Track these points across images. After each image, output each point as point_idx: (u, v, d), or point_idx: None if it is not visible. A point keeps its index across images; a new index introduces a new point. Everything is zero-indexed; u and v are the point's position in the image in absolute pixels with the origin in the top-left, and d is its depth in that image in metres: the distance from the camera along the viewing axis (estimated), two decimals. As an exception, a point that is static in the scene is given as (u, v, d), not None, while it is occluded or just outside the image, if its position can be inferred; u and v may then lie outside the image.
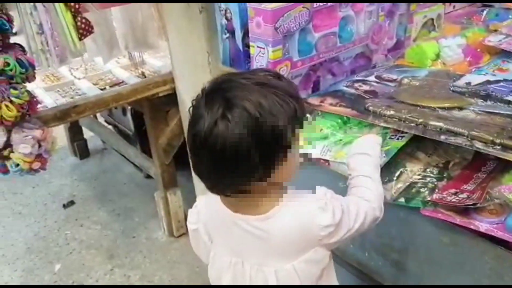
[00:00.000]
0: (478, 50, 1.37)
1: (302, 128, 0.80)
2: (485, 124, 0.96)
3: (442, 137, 0.95)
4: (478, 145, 0.90)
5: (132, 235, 2.39)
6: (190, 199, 2.30)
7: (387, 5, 1.37)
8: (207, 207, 0.94)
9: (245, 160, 0.75)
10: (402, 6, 1.43)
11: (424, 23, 1.55)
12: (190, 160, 0.83)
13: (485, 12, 1.65)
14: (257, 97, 0.74)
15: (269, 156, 0.77)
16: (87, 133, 3.12)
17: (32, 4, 1.35)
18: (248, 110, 0.73)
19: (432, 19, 1.57)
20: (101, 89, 1.88)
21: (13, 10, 1.37)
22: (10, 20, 1.30)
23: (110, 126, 2.90)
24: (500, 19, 1.56)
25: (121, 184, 2.83)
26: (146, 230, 2.41)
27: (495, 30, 1.46)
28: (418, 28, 1.53)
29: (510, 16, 1.57)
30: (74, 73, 1.96)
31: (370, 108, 1.10)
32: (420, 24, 1.53)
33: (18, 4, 1.36)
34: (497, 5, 1.73)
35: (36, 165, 1.44)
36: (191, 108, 0.81)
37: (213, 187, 0.83)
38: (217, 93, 0.77)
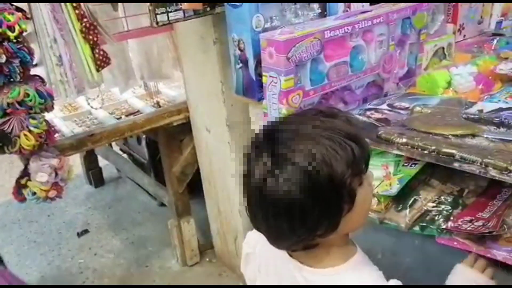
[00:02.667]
0: (490, 78, 1.37)
1: (367, 168, 0.74)
2: (499, 151, 0.95)
3: (456, 165, 0.94)
4: (493, 172, 0.90)
5: (145, 264, 2.38)
6: (203, 228, 2.31)
7: (397, 35, 1.39)
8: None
9: (302, 216, 0.68)
10: (413, 36, 1.45)
11: (434, 52, 1.56)
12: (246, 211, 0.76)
13: (495, 41, 1.66)
14: (308, 147, 0.67)
15: (331, 208, 0.70)
16: (102, 162, 3.16)
17: (52, 37, 1.40)
18: (298, 163, 0.67)
19: (443, 48, 1.58)
20: (117, 119, 1.93)
21: (34, 43, 1.42)
22: (31, 53, 1.35)
23: (125, 155, 2.94)
24: (511, 47, 1.57)
25: (135, 212, 2.84)
26: (159, 259, 2.40)
27: (506, 58, 1.46)
28: (429, 57, 1.54)
29: (521, 45, 1.58)
30: (91, 103, 2.01)
31: (383, 135, 1.11)
32: (431, 53, 1.55)
33: (38, 37, 1.41)
34: (507, 34, 1.75)
35: (53, 193, 1.46)
36: (244, 157, 0.74)
37: (275, 243, 0.76)
38: (264, 145, 0.71)
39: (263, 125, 0.77)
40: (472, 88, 1.35)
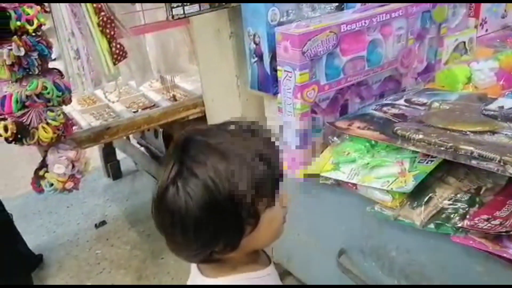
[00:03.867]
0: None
1: (277, 189, 0.71)
2: (518, 149, 0.93)
3: (473, 162, 0.92)
4: (511, 170, 0.87)
5: (160, 256, 2.40)
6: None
7: (416, 29, 1.36)
8: None
9: (196, 231, 0.67)
10: (432, 30, 1.42)
11: (455, 47, 1.52)
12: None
13: (519, 35, 1.61)
14: (214, 162, 0.66)
15: (230, 227, 0.68)
16: (120, 155, 3.19)
17: (70, 30, 1.41)
18: (200, 177, 0.65)
19: (464, 43, 1.55)
20: (134, 112, 1.94)
21: (53, 37, 1.44)
22: (49, 46, 1.36)
23: (142, 148, 2.96)
24: (535, 42, 1.53)
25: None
26: (175, 251, 2.42)
27: (530, 53, 1.42)
28: (449, 51, 1.51)
29: (545, 39, 1.54)
30: (109, 96, 2.03)
31: (399, 132, 1.09)
32: (451, 48, 1.51)
33: (57, 31, 1.43)
34: (532, 28, 1.70)
35: (69, 185, 1.49)
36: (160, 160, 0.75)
37: (174, 251, 0.74)
38: (176, 153, 0.69)
39: (183, 132, 0.74)
40: (493, 84, 1.32)
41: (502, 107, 1.13)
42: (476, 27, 1.61)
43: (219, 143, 0.69)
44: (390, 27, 1.29)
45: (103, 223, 2.73)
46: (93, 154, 2.88)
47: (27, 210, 2.95)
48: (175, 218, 0.67)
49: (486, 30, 1.66)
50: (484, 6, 1.60)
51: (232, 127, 0.74)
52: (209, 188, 0.65)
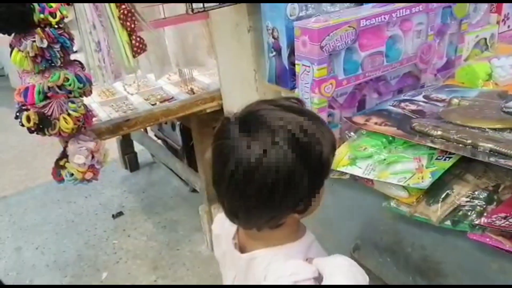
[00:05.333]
0: (534, 70, 1.32)
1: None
2: (539, 147, 0.91)
3: (492, 159, 0.91)
4: (531, 168, 0.86)
5: (176, 248, 2.43)
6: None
7: (436, 25, 1.34)
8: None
9: (296, 189, 0.71)
10: (453, 26, 1.40)
11: (476, 43, 1.50)
12: (218, 196, 0.78)
13: (542, 31, 1.58)
14: (299, 122, 0.70)
15: (315, 184, 0.74)
16: (137, 147, 3.23)
17: (91, 23, 1.44)
18: (297, 136, 0.69)
19: (485, 39, 1.52)
20: (152, 105, 1.96)
21: (74, 30, 1.46)
22: (71, 39, 1.39)
23: (159, 141, 3.00)
24: (559, 38, 1.50)
25: (168, 197, 2.91)
26: (190, 243, 2.45)
27: (553, 50, 1.40)
28: (470, 47, 1.49)
29: None
30: (128, 88, 2.06)
31: (417, 127, 1.08)
32: (472, 44, 1.49)
33: (78, 23, 1.45)
34: (556, 24, 1.66)
35: (89, 175, 1.51)
36: (218, 142, 0.74)
37: (249, 222, 0.78)
38: (254, 121, 0.71)
39: (242, 108, 0.76)
40: (514, 81, 1.30)
41: (523, 104, 1.12)
42: (498, 23, 1.58)
43: (288, 110, 0.73)
44: (410, 22, 1.28)
45: (120, 214, 2.78)
46: (112, 146, 2.92)
47: (46, 199, 3.02)
48: (280, 178, 0.68)
49: (509, 26, 1.64)
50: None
51: (287, 101, 0.80)
52: (306, 144, 0.70)
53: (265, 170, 0.68)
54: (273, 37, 1.28)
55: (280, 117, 0.71)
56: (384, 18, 1.21)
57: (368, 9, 1.24)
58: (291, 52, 1.24)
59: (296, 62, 1.19)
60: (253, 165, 0.68)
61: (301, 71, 1.19)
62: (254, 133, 0.70)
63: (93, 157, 1.51)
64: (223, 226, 0.94)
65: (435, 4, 1.30)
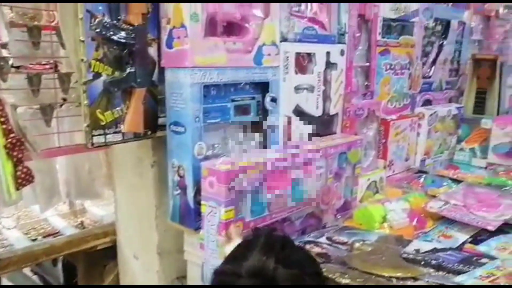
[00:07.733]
0: (422, 215, 1.42)
1: None
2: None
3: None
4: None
5: None
6: None
7: (334, 168, 1.43)
8: None
9: None
10: (348, 170, 1.50)
11: (368, 185, 1.62)
12: None
13: (422, 178, 1.76)
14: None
15: None
16: (6, 282, 2.77)
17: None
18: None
19: (375, 182, 1.65)
20: (32, 240, 1.72)
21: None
22: None
23: (35, 277, 2.61)
24: (437, 185, 1.68)
25: None
26: None
27: (434, 196, 1.54)
28: (363, 189, 1.59)
29: (445, 184, 1.69)
30: (4, 221, 1.81)
31: (325, 274, 1.06)
32: (364, 186, 1.60)
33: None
34: (431, 171, 1.88)
35: None
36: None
37: None
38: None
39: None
40: (407, 225, 1.38)
41: (418, 250, 1.18)
42: (384, 167, 1.74)
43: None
44: (311, 166, 1.34)
45: None
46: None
47: None
48: None
49: (393, 171, 1.80)
50: (390, 149, 1.75)
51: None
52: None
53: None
54: (179, 175, 1.24)
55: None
56: (289, 161, 1.25)
57: (273, 152, 1.29)
58: (197, 192, 1.20)
59: (203, 202, 1.16)
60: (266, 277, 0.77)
61: (207, 212, 1.15)
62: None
63: None
64: None
65: (332, 150, 1.40)
